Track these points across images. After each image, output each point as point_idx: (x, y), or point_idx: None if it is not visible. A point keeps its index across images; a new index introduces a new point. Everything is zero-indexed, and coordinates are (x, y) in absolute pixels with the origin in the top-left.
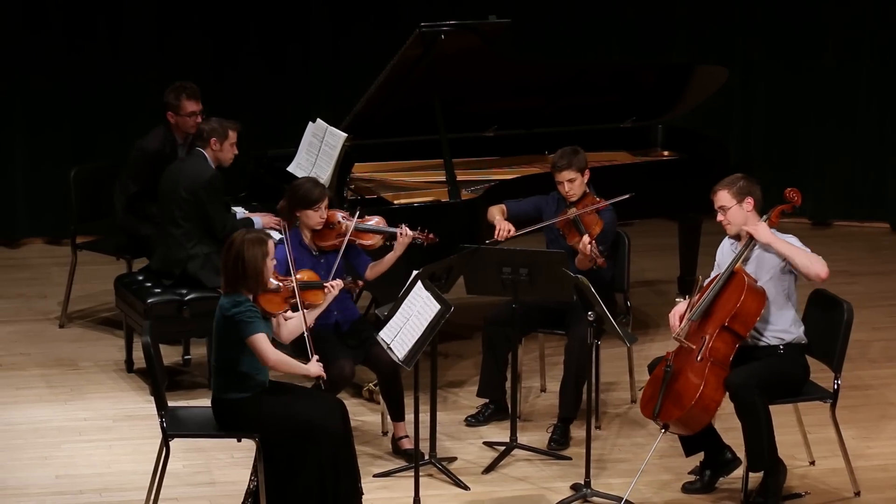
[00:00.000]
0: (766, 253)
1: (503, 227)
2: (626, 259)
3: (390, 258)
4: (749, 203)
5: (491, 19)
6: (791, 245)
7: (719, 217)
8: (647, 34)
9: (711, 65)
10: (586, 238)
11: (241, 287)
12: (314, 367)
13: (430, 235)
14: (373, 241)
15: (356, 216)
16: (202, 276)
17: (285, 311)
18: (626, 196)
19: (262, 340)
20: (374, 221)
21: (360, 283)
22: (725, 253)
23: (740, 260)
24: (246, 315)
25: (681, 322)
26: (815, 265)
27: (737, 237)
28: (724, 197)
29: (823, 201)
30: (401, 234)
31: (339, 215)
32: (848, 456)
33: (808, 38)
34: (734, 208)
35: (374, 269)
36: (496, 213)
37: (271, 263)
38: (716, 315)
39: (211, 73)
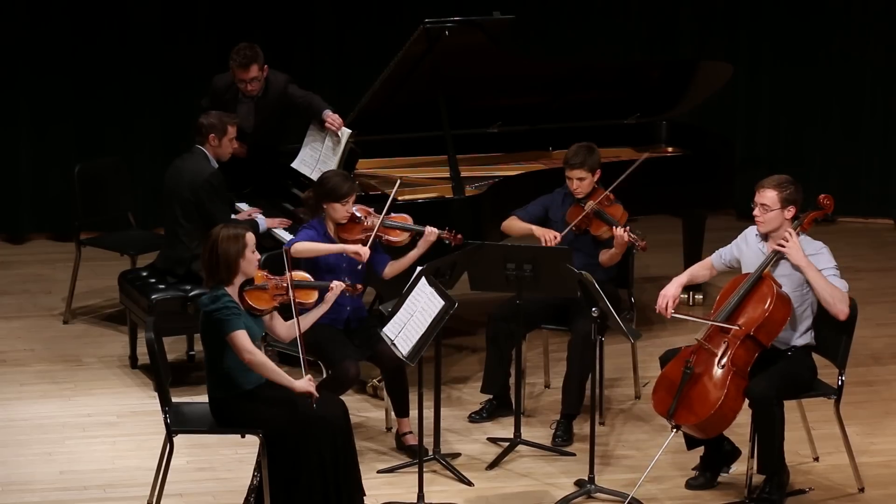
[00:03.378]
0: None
1: (548, 236)
2: (631, 255)
3: (412, 256)
4: (791, 211)
5: (495, 15)
6: (819, 276)
7: (756, 212)
8: (651, 30)
9: (716, 61)
10: (620, 229)
11: (218, 279)
12: (301, 384)
13: (459, 236)
14: (400, 237)
15: (384, 212)
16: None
17: (274, 309)
18: (641, 160)
19: (240, 337)
20: (401, 218)
21: (360, 287)
22: (753, 249)
23: (769, 265)
24: (223, 312)
25: (672, 304)
26: (836, 304)
27: (764, 236)
28: (770, 197)
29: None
30: (427, 232)
31: (362, 210)
32: (852, 452)
33: (814, 34)
34: (776, 212)
35: (393, 267)
36: (520, 224)
37: (252, 256)
38: (741, 322)
39: (216, 71)
